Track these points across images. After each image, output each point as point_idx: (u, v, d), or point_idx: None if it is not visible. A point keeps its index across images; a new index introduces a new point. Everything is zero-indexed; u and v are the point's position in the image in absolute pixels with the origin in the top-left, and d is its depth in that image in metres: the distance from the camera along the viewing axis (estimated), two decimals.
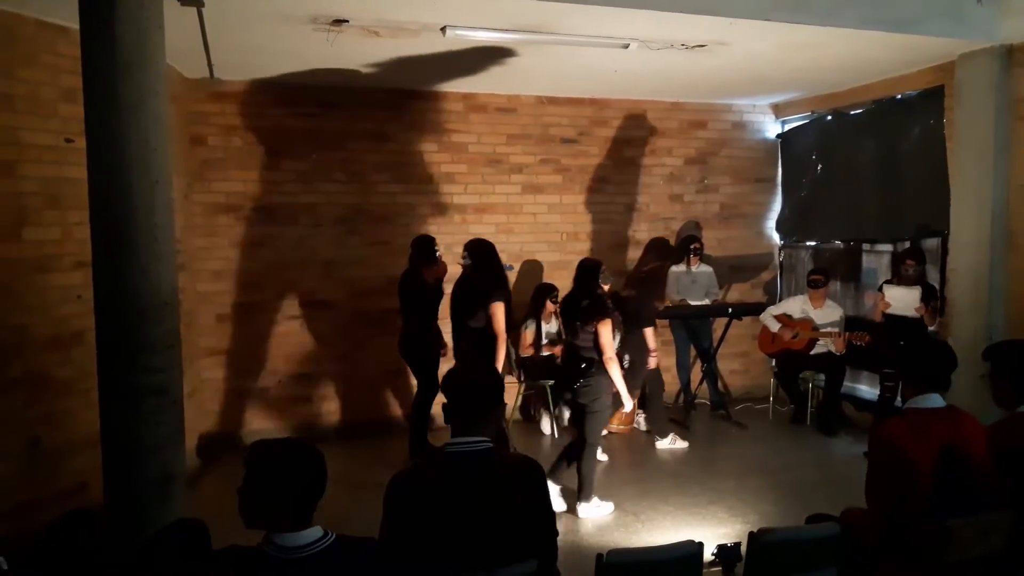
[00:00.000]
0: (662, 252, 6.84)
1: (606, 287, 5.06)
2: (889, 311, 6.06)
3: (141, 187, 3.41)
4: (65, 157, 4.42)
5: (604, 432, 5.13)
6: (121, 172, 3.38)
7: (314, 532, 2.02)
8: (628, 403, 5.11)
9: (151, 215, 3.44)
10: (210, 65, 5.52)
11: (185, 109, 6.14)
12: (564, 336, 5.52)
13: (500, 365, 5.35)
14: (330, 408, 6.80)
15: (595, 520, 4.97)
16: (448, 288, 5.90)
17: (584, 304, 4.99)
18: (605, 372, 4.94)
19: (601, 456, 5.79)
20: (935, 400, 2.92)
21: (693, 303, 7.06)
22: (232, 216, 6.47)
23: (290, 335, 6.66)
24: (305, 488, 2.02)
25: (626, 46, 5.23)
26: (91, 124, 3.42)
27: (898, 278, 6.15)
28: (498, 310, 5.37)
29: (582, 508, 5.01)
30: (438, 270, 5.87)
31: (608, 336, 4.88)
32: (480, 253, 5.52)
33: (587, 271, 5.08)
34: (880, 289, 6.25)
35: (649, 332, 6.00)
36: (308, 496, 2.03)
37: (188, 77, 6.12)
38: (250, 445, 2.12)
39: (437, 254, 5.82)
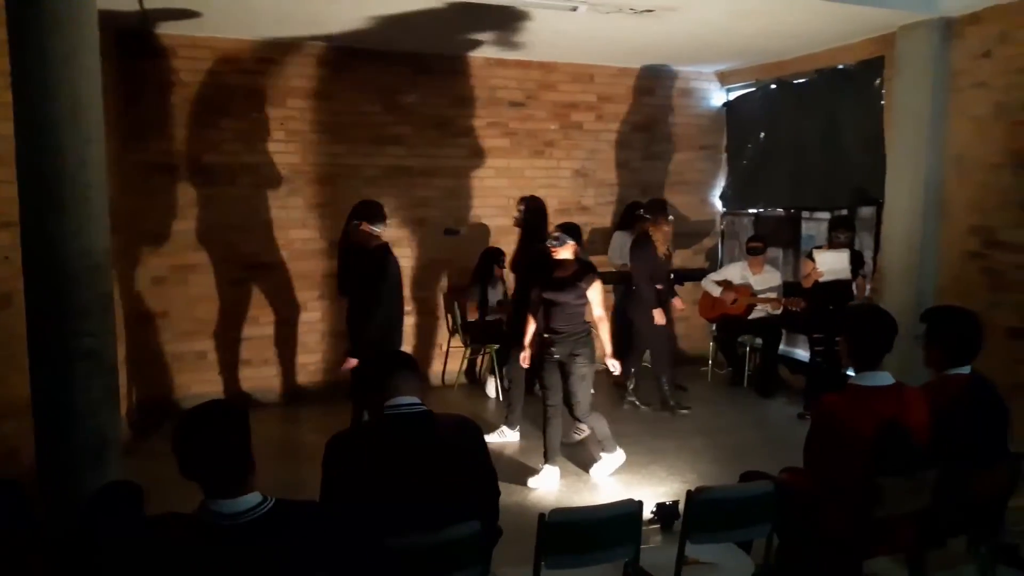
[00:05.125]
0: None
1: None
2: (822, 279, 6.07)
3: (71, 145, 3.29)
4: None
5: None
6: (50, 129, 3.25)
7: (252, 498, 1.97)
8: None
9: (82, 173, 3.32)
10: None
11: (120, 65, 5.90)
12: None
13: None
14: (271, 372, 6.71)
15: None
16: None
17: None
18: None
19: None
20: (883, 378, 2.91)
21: None
22: (169, 176, 6.27)
23: (230, 298, 6.54)
24: (226, 446, 1.97)
25: (575, 9, 5.18)
26: (18, 78, 3.28)
27: (830, 245, 6.25)
28: None
29: None
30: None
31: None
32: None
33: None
34: (810, 256, 6.23)
35: None
36: (232, 455, 1.97)
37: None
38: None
39: None
